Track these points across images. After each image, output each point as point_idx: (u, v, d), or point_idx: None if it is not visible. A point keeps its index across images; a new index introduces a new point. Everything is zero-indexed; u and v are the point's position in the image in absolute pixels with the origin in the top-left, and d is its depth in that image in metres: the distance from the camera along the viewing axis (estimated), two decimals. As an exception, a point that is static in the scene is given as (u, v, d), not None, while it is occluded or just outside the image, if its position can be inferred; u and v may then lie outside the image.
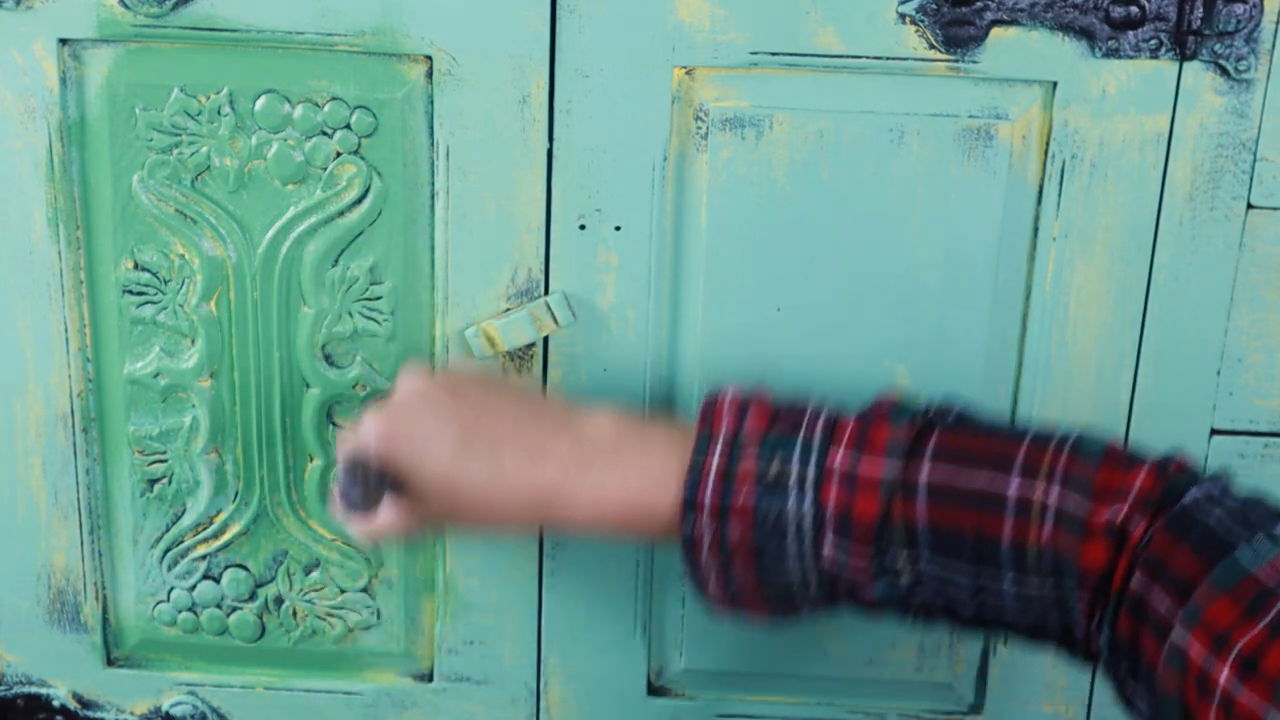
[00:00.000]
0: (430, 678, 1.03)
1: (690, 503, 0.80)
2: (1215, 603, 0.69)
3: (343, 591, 1.01)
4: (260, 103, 0.90)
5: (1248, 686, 0.67)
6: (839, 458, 0.79)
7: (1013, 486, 0.77)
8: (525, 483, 0.83)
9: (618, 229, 0.91)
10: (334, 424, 0.97)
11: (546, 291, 0.93)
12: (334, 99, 0.90)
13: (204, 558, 1.01)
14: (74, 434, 0.98)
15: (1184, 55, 0.87)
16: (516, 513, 0.84)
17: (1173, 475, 0.77)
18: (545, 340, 0.94)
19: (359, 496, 0.82)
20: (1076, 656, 0.80)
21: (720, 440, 0.81)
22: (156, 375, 0.96)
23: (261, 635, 1.03)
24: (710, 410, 0.83)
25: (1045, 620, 0.78)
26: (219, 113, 0.90)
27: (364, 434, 0.84)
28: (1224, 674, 0.67)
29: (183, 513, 1.00)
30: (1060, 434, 0.80)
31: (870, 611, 0.82)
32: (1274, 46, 0.86)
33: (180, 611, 1.02)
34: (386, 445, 0.83)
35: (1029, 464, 0.77)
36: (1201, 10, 0.85)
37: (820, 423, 0.81)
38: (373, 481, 0.82)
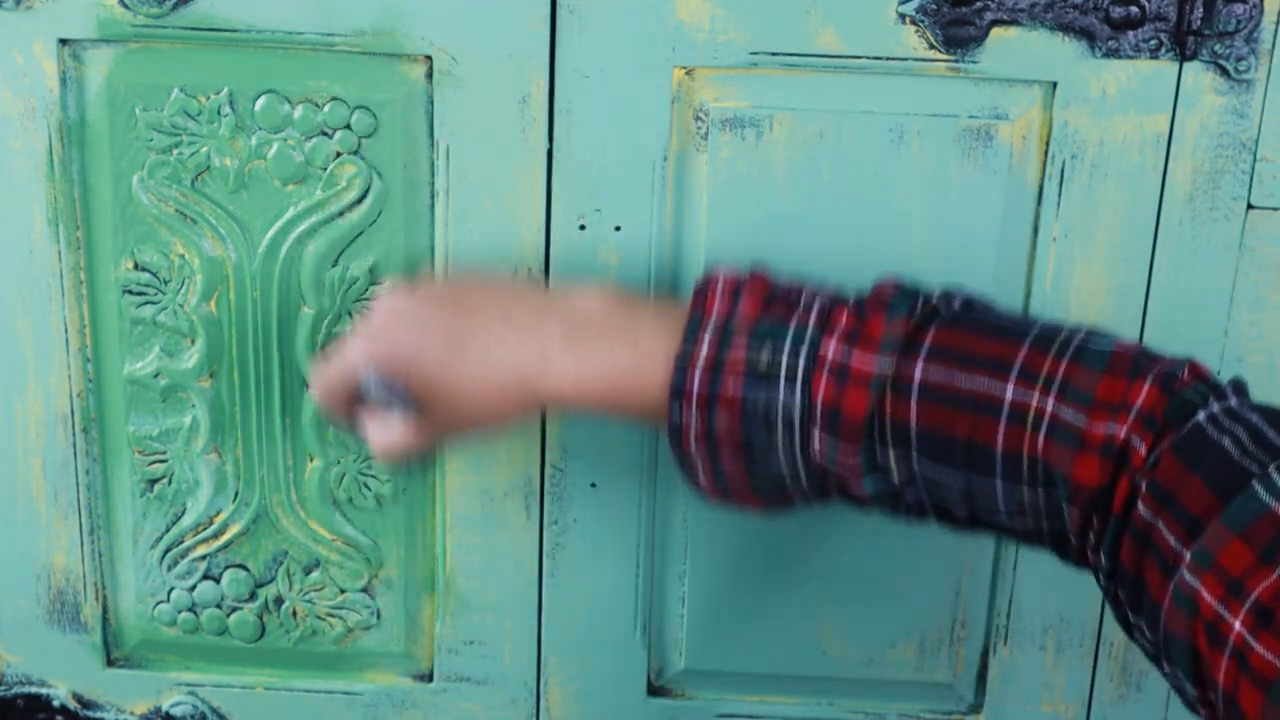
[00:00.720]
0: (430, 678, 1.03)
1: (678, 391, 0.78)
2: (1229, 545, 0.65)
3: (343, 591, 1.01)
4: (260, 103, 0.90)
5: (1263, 638, 0.63)
6: (831, 348, 0.76)
7: (1009, 391, 0.73)
8: (513, 362, 0.80)
9: (618, 229, 0.91)
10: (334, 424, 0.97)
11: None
12: (334, 99, 0.90)
13: (204, 558, 1.01)
14: (74, 434, 0.98)
15: (1184, 55, 0.87)
16: (507, 396, 0.81)
17: (1182, 388, 0.72)
18: (545, 340, 0.94)
19: (391, 402, 0.81)
20: (1072, 563, 0.77)
21: (710, 326, 0.78)
22: (156, 375, 0.96)
23: (261, 635, 1.03)
24: (703, 292, 0.80)
25: (1039, 526, 0.76)
26: (219, 113, 0.90)
27: (349, 358, 0.83)
28: (1237, 624, 0.64)
29: (183, 513, 1.00)
30: (1067, 332, 0.76)
31: (863, 507, 0.79)
32: (1274, 46, 0.86)
33: (180, 612, 1.02)
34: (377, 365, 0.82)
35: (1028, 367, 0.74)
36: (1201, 10, 0.85)
37: (816, 309, 0.78)
38: (396, 392, 0.81)
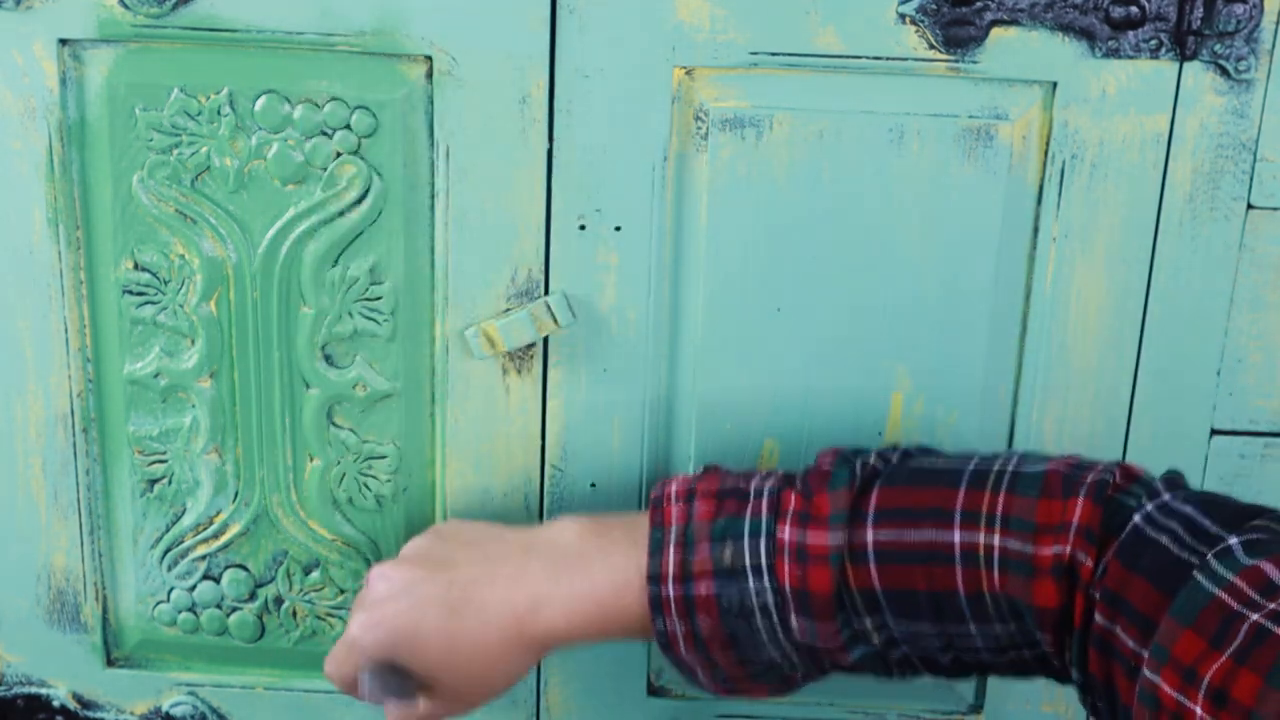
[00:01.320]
0: (430, 678, 1.03)
1: (656, 604, 0.82)
2: (1180, 637, 0.68)
3: (342, 591, 1.01)
4: (260, 103, 0.90)
5: (1222, 717, 0.66)
6: (787, 533, 0.80)
7: (956, 535, 0.77)
8: (506, 608, 0.85)
9: (618, 229, 0.91)
10: (334, 424, 0.97)
11: (546, 291, 0.93)
12: (334, 99, 0.90)
13: (204, 558, 1.01)
14: (74, 434, 0.98)
15: (1184, 55, 0.87)
16: (507, 645, 0.85)
17: (1113, 496, 0.75)
18: (545, 340, 0.94)
19: (395, 691, 0.86)
20: (1067, 684, 0.79)
21: (672, 536, 0.82)
22: (156, 375, 0.96)
23: (261, 635, 1.03)
24: (659, 505, 0.84)
25: (1022, 656, 0.79)
26: (219, 113, 0.90)
27: (358, 647, 0.86)
28: (1198, 709, 0.66)
29: (183, 513, 1.00)
30: (1000, 463, 0.79)
31: (856, 673, 0.83)
32: (1274, 46, 0.86)
33: (180, 612, 1.02)
34: (386, 649, 0.86)
35: (969, 509, 0.77)
36: (1201, 10, 0.85)
37: (765, 498, 0.82)
38: (391, 689, 0.86)
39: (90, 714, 1.05)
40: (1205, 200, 0.90)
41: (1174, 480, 0.77)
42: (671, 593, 0.82)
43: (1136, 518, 0.74)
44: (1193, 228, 0.91)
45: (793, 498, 0.81)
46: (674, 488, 0.85)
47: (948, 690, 1.03)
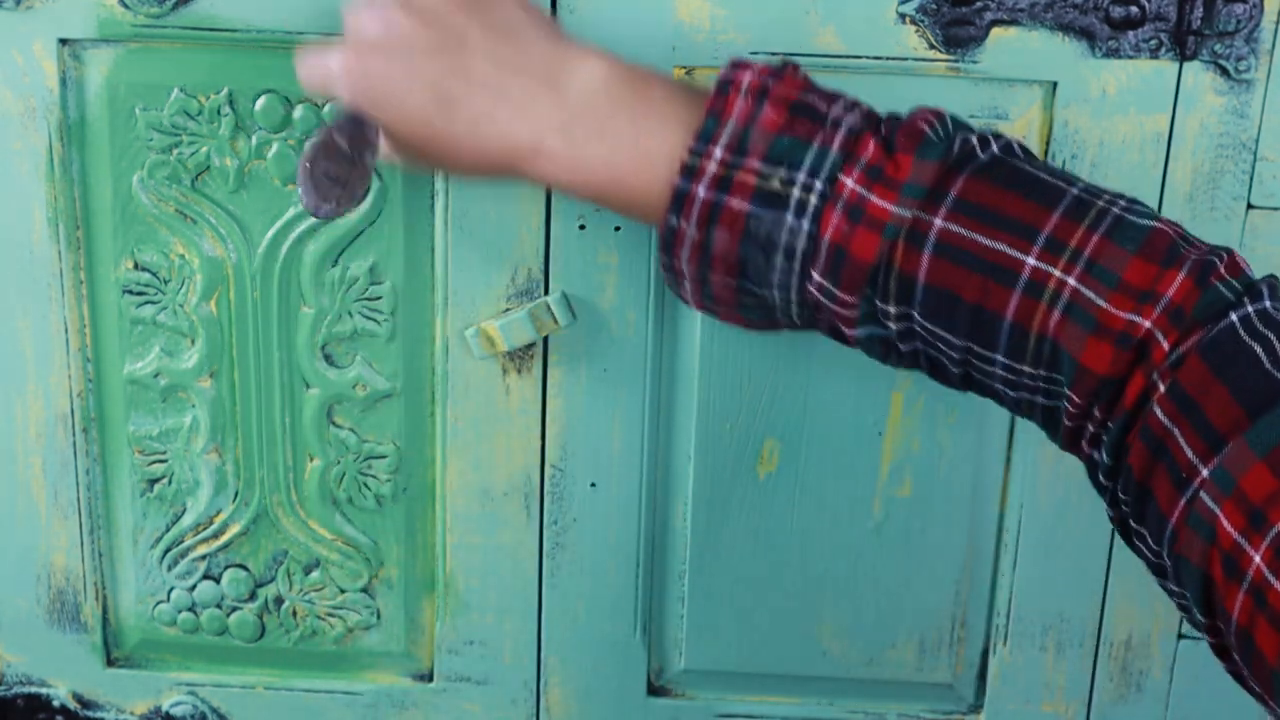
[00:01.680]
0: (430, 678, 1.03)
1: (679, 199, 0.71)
2: (1252, 468, 0.60)
3: (343, 591, 1.01)
4: (260, 103, 0.90)
5: None
6: (850, 182, 0.69)
7: (1030, 258, 0.67)
8: (504, 142, 0.74)
9: (617, 229, 0.91)
10: (333, 424, 0.97)
11: (546, 291, 0.93)
12: (334, 99, 0.89)
13: (204, 558, 1.01)
14: (74, 434, 0.98)
15: (1184, 55, 0.87)
16: (493, 169, 0.75)
17: (1216, 282, 0.65)
18: (545, 340, 0.94)
19: (361, 137, 0.77)
20: (1058, 444, 0.72)
21: (726, 132, 0.71)
22: (156, 375, 0.96)
23: (261, 635, 1.03)
24: (724, 91, 0.72)
25: (1034, 400, 0.70)
26: (219, 113, 0.90)
27: (328, 76, 0.77)
28: (1258, 558, 0.59)
29: (183, 513, 1.00)
30: (1106, 200, 0.69)
31: (852, 347, 0.75)
32: (1274, 46, 0.86)
33: (180, 611, 1.02)
34: (360, 105, 0.76)
35: (1056, 237, 0.67)
36: (1201, 10, 0.85)
37: (843, 129, 0.71)
38: (363, 130, 0.76)
39: (90, 714, 1.05)
40: (1205, 200, 0.90)
41: (1277, 287, 0.67)
42: (701, 194, 0.71)
43: (1234, 315, 0.64)
44: (1192, 227, 0.90)
45: (871, 145, 0.70)
46: (748, 78, 0.72)
47: (947, 690, 1.03)
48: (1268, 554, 0.59)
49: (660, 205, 0.72)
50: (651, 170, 0.72)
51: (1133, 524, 0.68)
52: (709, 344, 0.94)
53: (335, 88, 0.77)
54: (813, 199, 0.70)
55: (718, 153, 0.71)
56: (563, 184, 0.75)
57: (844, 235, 0.69)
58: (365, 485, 0.98)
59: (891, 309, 0.70)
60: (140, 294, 0.94)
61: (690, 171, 0.71)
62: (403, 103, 0.75)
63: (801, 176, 0.70)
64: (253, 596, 1.02)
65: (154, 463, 0.99)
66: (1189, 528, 0.63)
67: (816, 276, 0.71)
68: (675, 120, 0.73)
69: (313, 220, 0.92)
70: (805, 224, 0.70)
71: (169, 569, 1.01)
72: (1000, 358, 0.69)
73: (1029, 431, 0.95)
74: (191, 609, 1.02)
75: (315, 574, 1.01)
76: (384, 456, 0.97)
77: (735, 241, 0.71)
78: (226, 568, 1.01)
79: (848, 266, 0.70)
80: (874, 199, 0.69)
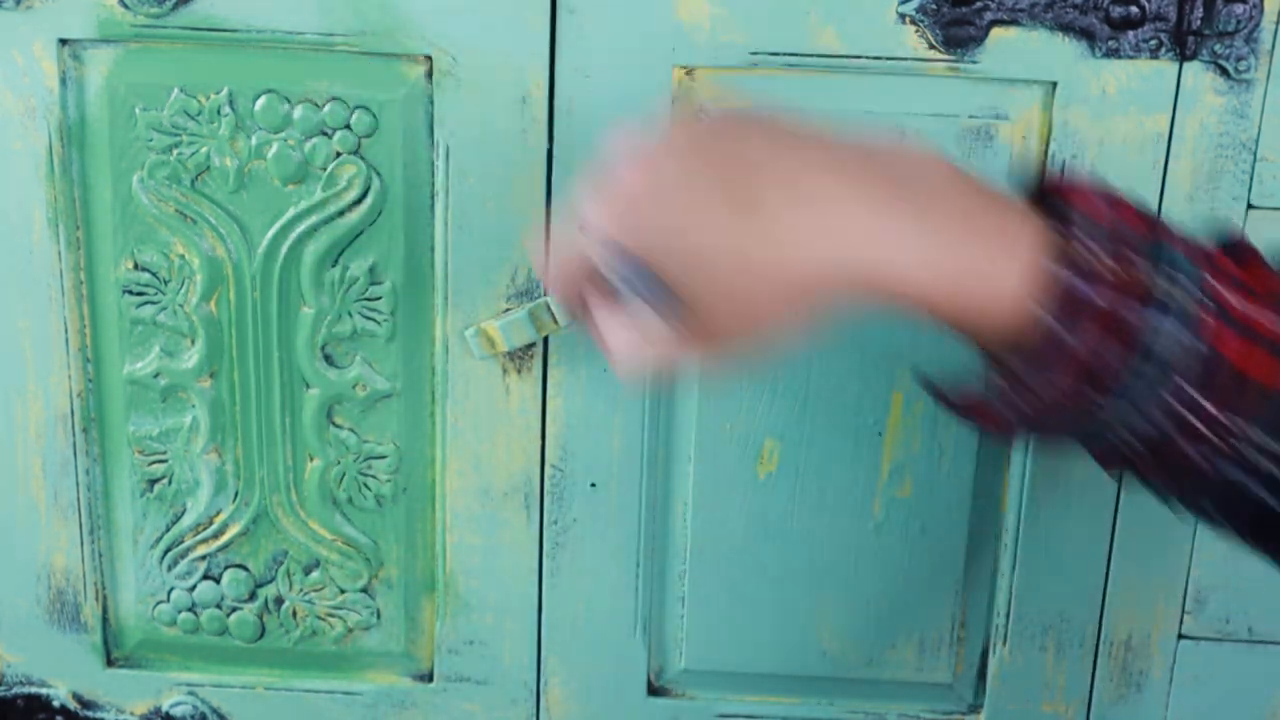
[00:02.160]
0: (430, 678, 1.03)
1: (1065, 302, 0.59)
2: None
3: (343, 591, 1.01)
4: (260, 103, 0.90)
5: None
6: (1225, 292, 0.59)
7: None
8: (831, 234, 0.59)
9: (618, 229, 0.91)
10: (333, 424, 0.97)
11: (546, 291, 0.93)
12: (334, 99, 0.90)
13: (204, 558, 1.01)
14: (74, 434, 0.98)
15: (1184, 55, 0.87)
16: (821, 281, 0.60)
17: None
18: (545, 340, 0.94)
19: (647, 296, 0.61)
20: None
21: (1086, 225, 0.59)
22: (156, 375, 0.96)
23: (261, 635, 1.03)
24: (1062, 190, 0.61)
25: None
26: (219, 113, 0.90)
27: (588, 233, 0.62)
28: None
29: (183, 513, 1.00)
30: None
31: (1180, 498, 0.63)
32: (1274, 46, 0.86)
33: (180, 611, 1.02)
34: (634, 240, 0.61)
35: None
36: (1201, 10, 0.85)
37: (1183, 237, 0.61)
38: (653, 285, 0.60)
39: (90, 714, 1.05)
40: (1205, 200, 0.90)
41: None
42: (1086, 291, 0.59)
43: None
44: (1193, 228, 0.90)
45: (1219, 253, 0.61)
46: (1083, 184, 0.62)
47: (947, 690, 1.03)
48: None
49: (1016, 308, 0.60)
50: (1010, 266, 0.60)
51: None
52: (709, 344, 0.94)
53: (596, 240, 0.63)
54: (1192, 309, 0.60)
55: (1085, 244, 0.60)
56: (911, 288, 0.61)
57: (1241, 354, 0.60)
58: (365, 485, 0.98)
59: (1251, 433, 0.61)
60: (140, 294, 0.94)
61: (1072, 258, 0.60)
62: (696, 226, 0.61)
63: (1183, 282, 0.60)
64: (253, 597, 1.02)
65: (154, 463, 0.99)
66: None
67: (1190, 393, 0.60)
68: (1026, 213, 0.61)
69: (313, 220, 0.92)
70: (1188, 338, 0.59)
71: (169, 569, 1.01)
72: None
73: (1029, 431, 0.95)
74: (191, 609, 1.02)
75: (315, 574, 1.01)
76: (384, 456, 0.97)
77: (1095, 341, 0.60)
78: (226, 568, 1.01)
79: (1248, 390, 0.60)
80: (1253, 312, 0.60)
